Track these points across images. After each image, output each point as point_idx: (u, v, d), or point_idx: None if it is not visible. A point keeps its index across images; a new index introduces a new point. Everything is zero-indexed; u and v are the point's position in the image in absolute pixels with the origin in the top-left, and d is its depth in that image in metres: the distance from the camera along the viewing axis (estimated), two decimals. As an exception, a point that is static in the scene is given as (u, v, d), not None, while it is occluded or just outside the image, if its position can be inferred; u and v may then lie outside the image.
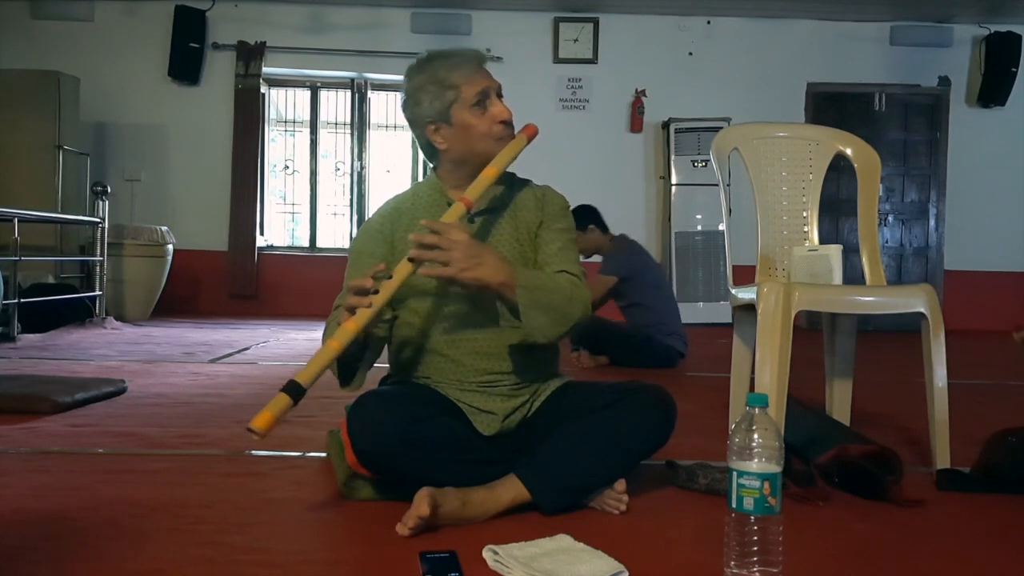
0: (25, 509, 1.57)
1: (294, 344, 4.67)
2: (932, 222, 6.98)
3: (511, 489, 1.54)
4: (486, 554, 1.31)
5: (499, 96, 1.72)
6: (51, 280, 5.68)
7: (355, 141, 7.19)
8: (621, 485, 1.59)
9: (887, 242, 6.93)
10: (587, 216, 4.09)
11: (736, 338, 2.29)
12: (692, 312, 6.56)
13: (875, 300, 2.06)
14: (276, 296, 6.86)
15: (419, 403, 1.59)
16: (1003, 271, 6.99)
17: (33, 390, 2.64)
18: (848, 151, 2.31)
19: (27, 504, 1.61)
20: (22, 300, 4.55)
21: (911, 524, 1.61)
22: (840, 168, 2.39)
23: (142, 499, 1.65)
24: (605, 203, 6.74)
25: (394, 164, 7.28)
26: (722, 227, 6.43)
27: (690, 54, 6.96)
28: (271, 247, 7.07)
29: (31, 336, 4.52)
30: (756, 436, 1.20)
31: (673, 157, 6.63)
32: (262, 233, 6.96)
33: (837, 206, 6.28)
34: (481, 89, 1.68)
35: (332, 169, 7.29)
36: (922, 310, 1.93)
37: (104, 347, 4.32)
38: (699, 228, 6.60)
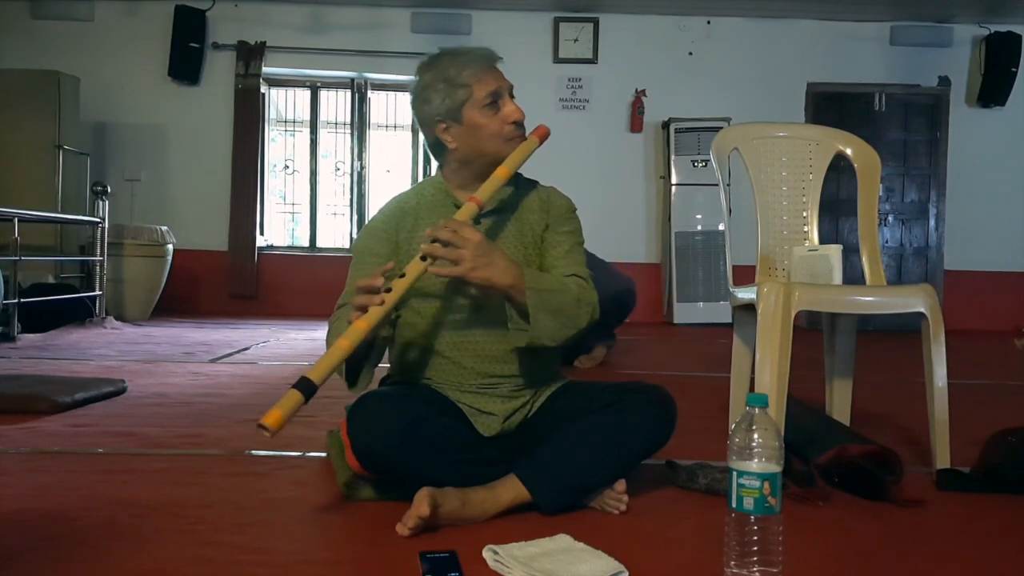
0: (25, 509, 1.57)
1: (294, 344, 4.67)
2: (932, 222, 6.98)
3: (511, 489, 1.54)
4: (486, 554, 1.31)
5: (511, 96, 1.71)
6: (51, 280, 5.68)
7: (355, 141, 7.19)
8: (621, 485, 1.59)
9: (887, 242, 6.93)
10: None
11: (736, 338, 2.29)
12: (692, 312, 6.57)
13: (875, 300, 2.06)
14: (276, 296, 6.86)
15: (419, 403, 1.59)
16: (1003, 271, 6.99)
17: (33, 390, 2.64)
18: (848, 151, 2.31)
19: (27, 504, 1.61)
20: (22, 300, 4.54)
21: (911, 524, 1.61)
22: (840, 168, 2.39)
23: (142, 499, 1.65)
24: (605, 203, 6.80)
25: (394, 164, 7.28)
26: (722, 227, 6.43)
27: (690, 54, 6.96)
28: (271, 247, 7.07)
29: (31, 336, 4.52)
30: (756, 436, 1.20)
31: (673, 157, 6.63)
32: (262, 233, 6.96)
33: (837, 206, 6.28)
34: (493, 89, 1.67)
35: (332, 169, 7.29)
36: (922, 310, 1.93)
37: (104, 347, 4.32)
38: (699, 228, 6.60)
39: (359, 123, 7.18)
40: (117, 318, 5.51)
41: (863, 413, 2.52)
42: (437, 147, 1.76)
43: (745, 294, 2.10)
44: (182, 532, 1.45)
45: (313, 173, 7.22)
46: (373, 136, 7.25)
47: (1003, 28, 6.87)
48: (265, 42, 6.75)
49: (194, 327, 5.50)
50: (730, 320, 2.37)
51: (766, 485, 1.18)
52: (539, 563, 1.26)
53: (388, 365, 1.84)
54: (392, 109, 7.28)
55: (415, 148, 7.22)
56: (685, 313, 6.57)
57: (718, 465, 1.71)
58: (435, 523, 1.44)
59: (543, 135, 1.72)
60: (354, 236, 7.14)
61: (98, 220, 5.48)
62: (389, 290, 1.51)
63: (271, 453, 2.08)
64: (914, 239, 6.98)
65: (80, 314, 5.20)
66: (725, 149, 2.30)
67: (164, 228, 6.14)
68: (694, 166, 6.59)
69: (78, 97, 6.13)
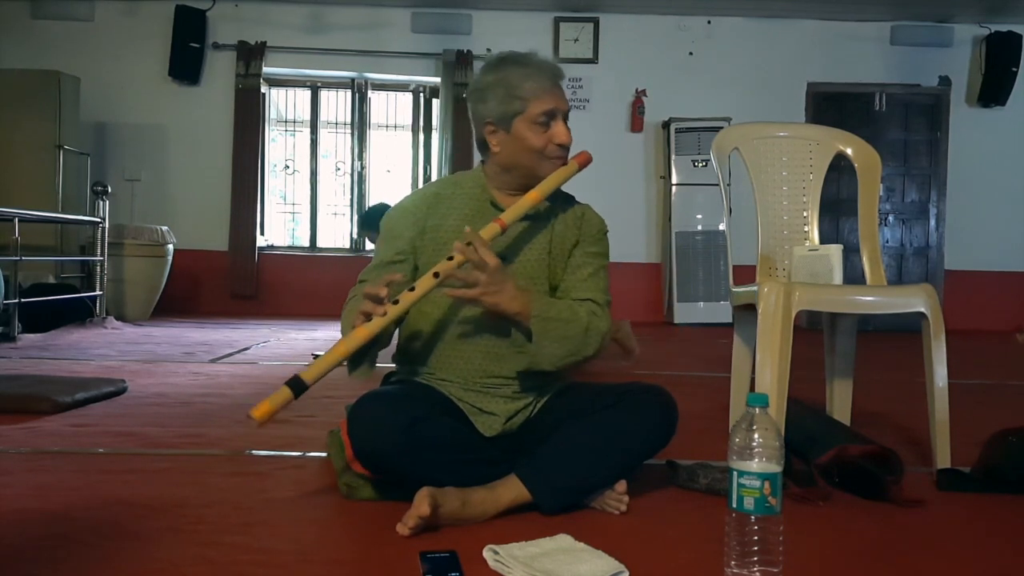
0: (25, 509, 1.57)
1: (294, 344, 4.67)
2: (932, 222, 6.98)
3: (511, 489, 1.54)
4: (486, 554, 1.31)
5: (565, 119, 1.71)
6: (51, 280, 5.68)
7: (355, 141, 7.19)
8: (622, 485, 1.59)
9: (887, 242, 6.93)
10: (378, 217, 4.09)
11: (736, 338, 2.29)
12: (692, 312, 6.57)
13: (875, 300, 2.06)
14: (276, 296, 6.86)
15: (420, 404, 1.59)
16: (1003, 271, 6.99)
17: (33, 390, 2.64)
18: (848, 151, 2.31)
19: (27, 504, 1.61)
20: (22, 300, 4.55)
21: (911, 524, 1.62)
22: (840, 168, 2.39)
23: (142, 499, 1.65)
24: (605, 203, 6.75)
25: (394, 164, 7.28)
26: (722, 227, 6.43)
27: (690, 54, 6.97)
28: (271, 247, 7.07)
29: (31, 336, 4.52)
30: (756, 436, 1.20)
31: (673, 157, 6.63)
32: (262, 233, 6.96)
33: (837, 206, 6.28)
34: (549, 109, 1.66)
35: (332, 169, 7.29)
36: (922, 310, 1.93)
37: (104, 347, 4.32)
38: (699, 228, 6.60)
39: (359, 123, 7.19)
40: (117, 318, 5.52)
41: (863, 413, 2.52)
42: (483, 144, 1.76)
43: (745, 294, 2.10)
44: (182, 532, 1.45)
45: (313, 173, 7.22)
46: (373, 136, 7.25)
47: (1003, 28, 6.87)
48: (265, 42, 6.75)
49: (194, 327, 5.50)
50: (730, 320, 2.37)
51: (766, 485, 1.18)
52: (539, 563, 1.26)
53: (390, 366, 1.84)
54: (392, 109, 7.29)
55: (415, 148, 7.22)
56: (685, 313, 6.57)
57: (718, 465, 1.71)
58: (435, 523, 1.44)
59: (584, 162, 1.72)
60: (355, 236, 7.15)
61: (98, 220, 5.48)
62: (396, 302, 1.52)
63: (271, 453, 2.08)
64: (914, 239, 6.98)
65: (80, 314, 5.21)
66: (725, 149, 2.30)
67: (164, 228, 6.14)
68: (694, 166, 6.59)
69: (78, 97, 6.14)
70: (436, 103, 7.02)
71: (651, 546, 1.44)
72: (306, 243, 7.25)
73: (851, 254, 2.21)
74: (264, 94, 6.93)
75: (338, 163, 7.27)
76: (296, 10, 6.82)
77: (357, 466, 1.56)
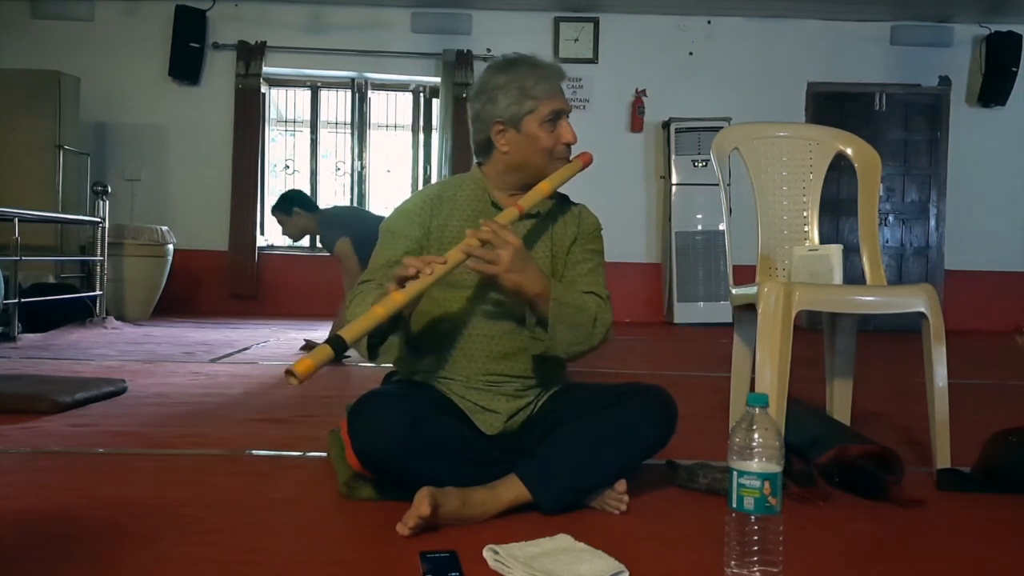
0: (25, 509, 1.57)
1: (294, 344, 4.67)
2: (932, 222, 6.98)
3: (511, 489, 1.54)
4: (486, 554, 1.31)
5: (567, 119, 1.76)
6: (51, 280, 5.68)
7: (355, 141, 7.19)
8: (621, 485, 1.60)
9: (887, 242, 6.93)
10: (293, 201, 4.24)
11: (736, 338, 2.29)
12: (692, 312, 6.57)
13: (875, 300, 2.06)
14: (276, 296, 6.86)
15: (420, 403, 1.59)
16: (1003, 271, 6.99)
17: (33, 390, 2.64)
18: (848, 151, 2.31)
19: (27, 504, 1.61)
20: (22, 300, 4.55)
21: (911, 524, 1.62)
22: (840, 168, 2.39)
23: (142, 499, 1.65)
24: (605, 203, 6.72)
25: (394, 164, 7.28)
26: (722, 227, 6.43)
27: (690, 54, 6.96)
28: (271, 247, 7.07)
29: (31, 336, 4.52)
30: (756, 436, 1.20)
31: (673, 157, 6.63)
32: (262, 233, 6.96)
33: (837, 206, 6.28)
34: (558, 108, 1.72)
35: (332, 169, 7.29)
36: (922, 310, 1.93)
37: (104, 347, 4.32)
38: (699, 228, 6.60)
39: (359, 123, 7.18)
40: (117, 318, 5.52)
41: (863, 413, 2.52)
42: (486, 145, 1.77)
43: (745, 294, 2.10)
44: (182, 532, 1.45)
45: (313, 173, 7.22)
46: (373, 136, 7.25)
47: (1003, 28, 6.86)
48: (265, 42, 6.75)
49: (194, 327, 5.50)
50: (730, 320, 2.37)
51: (766, 485, 1.18)
52: (539, 563, 1.26)
53: (389, 366, 1.84)
54: (392, 109, 7.28)
55: (415, 148, 7.22)
56: (685, 313, 6.57)
57: (718, 465, 1.71)
58: (435, 523, 1.44)
59: (587, 161, 1.79)
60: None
61: (98, 220, 5.48)
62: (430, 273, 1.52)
63: (271, 453, 2.08)
64: (914, 239, 6.98)
65: (80, 314, 5.21)
66: (725, 149, 2.30)
67: (164, 228, 6.14)
68: (694, 166, 6.59)
69: (78, 97, 6.13)
70: (436, 103, 7.03)
71: (651, 546, 1.44)
72: (306, 243, 7.24)
73: (851, 254, 2.21)
74: (264, 94, 6.93)
75: (338, 163, 7.27)
76: (296, 10, 6.81)
77: (357, 466, 1.56)
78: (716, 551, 1.28)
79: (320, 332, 5.26)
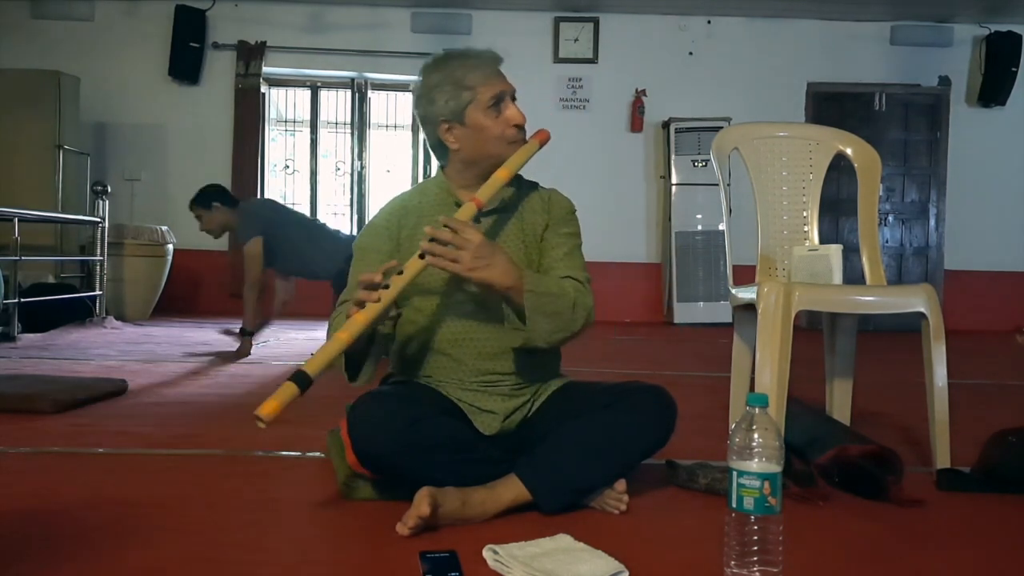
0: (25, 509, 1.57)
1: (294, 344, 4.67)
2: (932, 222, 6.98)
3: (511, 489, 1.54)
4: (486, 554, 1.31)
5: (513, 100, 1.72)
6: (51, 280, 5.68)
7: (355, 141, 7.19)
8: (621, 485, 1.59)
9: (887, 242, 6.93)
10: (212, 195, 4.13)
11: (736, 338, 2.29)
12: (692, 312, 6.57)
13: (875, 300, 2.06)
14: (276, 296, 6.84)
15: (419, 403, 1.59)
16: (1003, 271, 6.99)
17: (33, 390, 2.64)
18: (848, 151, 2.31)
19: (27, 504, 1.61)
20: (22, 300, 4.55)
21: (911, 524, 1.61)
22: (840, 168, 2.39)
23: (142, 499, 1.65)
24: (605, 203, 6.79)
25: (394, 164, 7.28)
26: (722, 227, 6.42)
27: (690, 54, 6.96)
28: (271, 247, 7.06)
29: (31, 336, 4.53)
30: (756, 436, 1.20)
31: (673, 157, 6.63)
32: (262, 233, 6.95)
33: (837, 206, 6.28)
34: (497, 92, 1.69)
35: (332, 169, 7.29)
36: (922, 310, 1.93)
37: (104, 347, 4.32)
38: (699, 228, 6.60)
39: (359, 123, 7.18)
40: (117, 318, 5.52)
41: (863, 413, 2.52)
42: (439, 147, 1.76)
43: (745, 294, 2.10)
44: (182, 532, 1.45)
45: (313, 173, 7.22)
46: (373, 136, 7.25)
47: (1003, 28, 6.86)
48: (265, 42, 6.75)
49: (194, 327, 5.50)
50: (730, 320, 2.37)
51: (766, 485, 1.18)
52: (539, 563, 1.26)
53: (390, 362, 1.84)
54: (392, 109, 7.28)
55: (415, 148, 7.22)
56: (685, 313, 6.57)
57: (718, 465, 1.71)
58: (435, 523, 1.44)
59: (543, 139, 1.74)
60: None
61: (98, 220, 5.48)
62: (387, 287, 1.51)
63: (271, 453, 2.08)
64: (914, 239, 6.98)
65: (80, 314, 5.21)
66: (725, 149, 2.30)
67: (164, 228, 6.14)
68: (694, 166, 6.59)
69: (78, 97, 6.13)
70: (436, 103, 7.02)
71: (651, 546, 1.44)
72: (306, 243, 7.23)
73: (851, 254, 2.21)
74: (264, 94, 6.92)
75: (338, 163, 7.27)
76: (296, 10, 6.81)
77: (357, 466, 1.56)
78: (716, 551, 1.28)
79: (321, 332, 5.25)
